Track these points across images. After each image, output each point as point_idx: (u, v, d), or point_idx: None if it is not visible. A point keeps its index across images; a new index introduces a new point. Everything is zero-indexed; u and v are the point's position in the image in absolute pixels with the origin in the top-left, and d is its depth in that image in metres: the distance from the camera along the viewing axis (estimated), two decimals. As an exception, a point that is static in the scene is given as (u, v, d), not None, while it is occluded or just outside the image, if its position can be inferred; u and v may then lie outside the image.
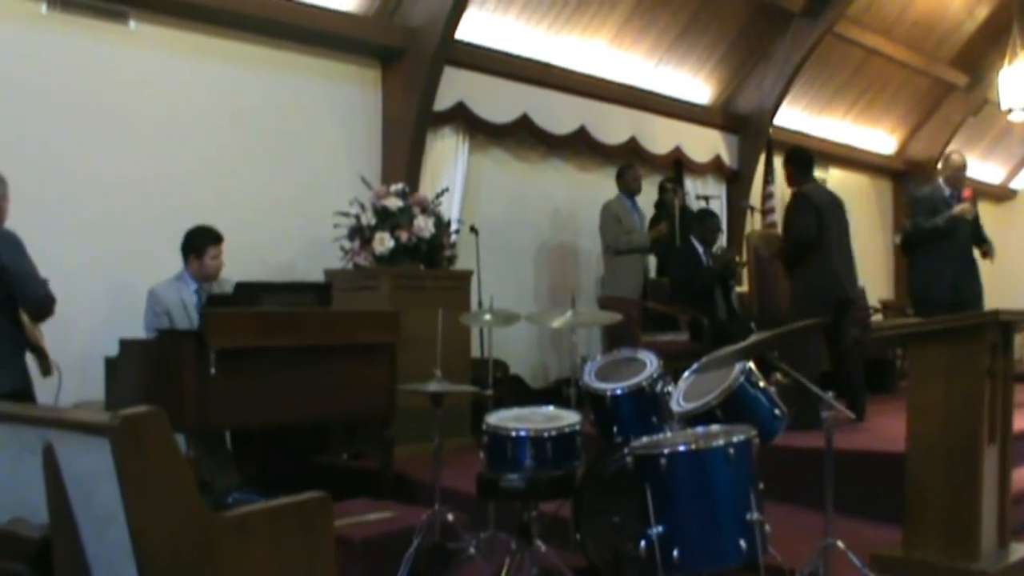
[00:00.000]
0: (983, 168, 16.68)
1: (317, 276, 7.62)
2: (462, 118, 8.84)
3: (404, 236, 7.53)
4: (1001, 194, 17.06)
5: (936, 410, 5.56)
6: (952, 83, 14.35)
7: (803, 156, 8.38)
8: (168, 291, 6.46)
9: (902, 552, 5.61)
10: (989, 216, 15.92)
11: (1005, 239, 12.10)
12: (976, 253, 9.33)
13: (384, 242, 7.47)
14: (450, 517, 5.38)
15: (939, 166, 9.47)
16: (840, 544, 4.81)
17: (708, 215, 9.98)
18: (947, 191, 9.13)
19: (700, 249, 9.47)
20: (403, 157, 8.28)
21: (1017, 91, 12.13)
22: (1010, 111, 12.42)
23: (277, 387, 5.96)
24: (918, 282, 9.32)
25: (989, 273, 12.10)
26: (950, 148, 9.53)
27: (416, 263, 7.67)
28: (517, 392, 8.56)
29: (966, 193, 9.19)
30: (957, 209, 9.02)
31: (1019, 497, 6.27)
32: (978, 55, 14.12)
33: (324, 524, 3.52)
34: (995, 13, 13.58)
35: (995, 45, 13.52)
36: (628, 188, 9.51)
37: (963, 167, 9.29)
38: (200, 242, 6.53)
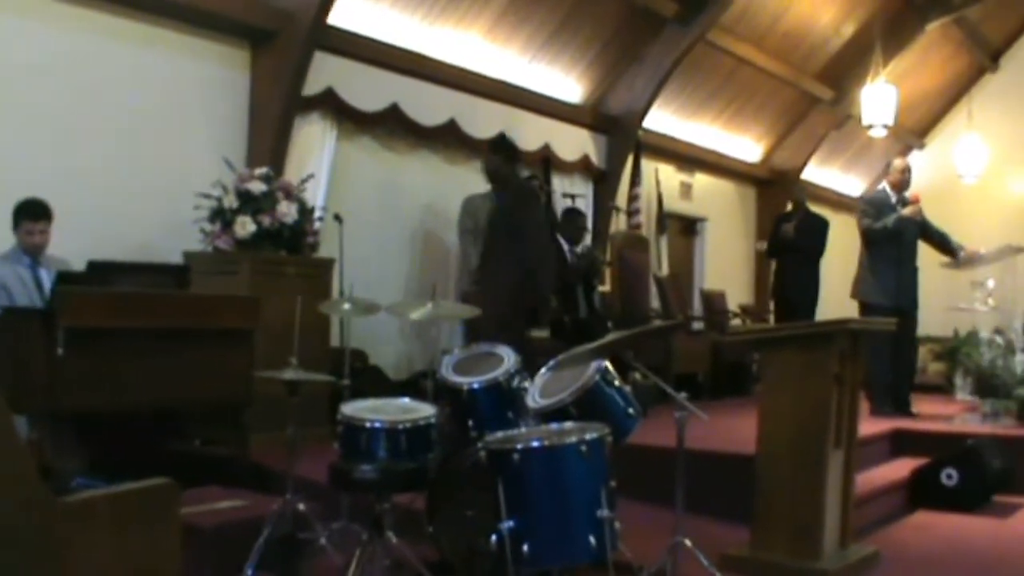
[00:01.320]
0: (844, 180, 17.12)
1: (176, 258, 7.46)
2: (331, 104, 8.75)
3: (266, 221, 7.43)
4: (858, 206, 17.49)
5: (786, 414, 5.70)
6: (818, 96, 14.68)
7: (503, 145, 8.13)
8: (2, 266, 6.27)
9: (749, 552, 5.73)
10: (846, 227, 16.36)
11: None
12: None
13: (246, 226, 7.36)
14: (302, 507, 5.32)
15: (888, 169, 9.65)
16: (688, 543, 4.88)
17: (575, 213, 10.07)
18: (892, 195, 9.35)
19: (566, 247, 9.54)
20: (269, 141, 8.16)
21: (878, 108, 12.47)
22: (871, 127, 12.76)
23: (129, 370, 5.82)
24: (863, 285, 9.48)
25: (843, 281, 12.41)
26: (897, 161, 9.71)
27: (278, 249, 7.58)
28: (376, 383, 8.50)
29: (913, 196, 9.35)
30: (907, 210, 9.23)
31: (861, 500, 6.45)
32: (843, 71, 14.47)
33: (170, 512, 3.46)
34: (860, 32, 13.95)
35: (859, 63, 13.88)
36: (493, 182, 9.53)
37: (906, 169, 9.52)
38: (17, 216, 6.34)
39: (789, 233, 11.19)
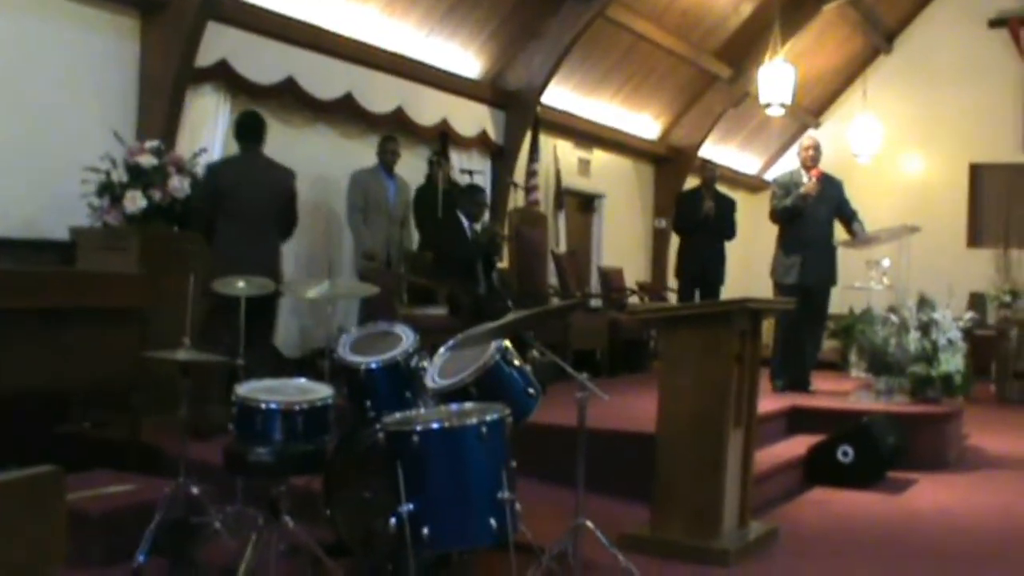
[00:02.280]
0: (740, 158, 17.26)
1: (62, 235, 7.23)
2: (225, 77, 8.53)
3: (158, 196, 7.23)
4: (756, 184, 17.68)
5: (686, 393, 5.71)
6: (716, 74, 14.75)
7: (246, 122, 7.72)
8: None
9: (649, 531, 5.74)
10: (744, 206, 16.51)
11: (757, 228, 12.51)
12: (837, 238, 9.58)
13: (136, 201, 7.15)
14: (195, 490, 5.18)
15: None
16: (590, 524, 4.84)
17: (475, 190, 9.99)
18: (804, 174, 9.41)
19: (465, 223, 9.47)
20: (160, 114, 7.93)
21: (775, 87, 12.55)
22: (768, 106, 12.84)
23: (12, 350, 5.61)
24: (774, 264, 9.53)
25: (741, 260, 12.54)
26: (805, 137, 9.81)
27: (170, 225, 7.38)
28: (272, 363, 8.34)
29: (814, 173, 9.42)
30: (803, 188, 9.33)
31: (759, 478, 6.48)
32: (741, 50, 14.56)
33: (55, 499, 3.31)
34: (758, 11, 14.03)
35: (757, 42, 13.97)
36: (384, 160, 9.54)
37: (811, 147, 9.59)
38: None
39: (711, 211, 11.21)
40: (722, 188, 14.43)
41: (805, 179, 9.38)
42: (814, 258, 9.34)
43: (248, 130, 7.59)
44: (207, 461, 5.62)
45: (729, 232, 11.37)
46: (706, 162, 12.26)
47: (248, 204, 7.39)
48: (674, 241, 13.32)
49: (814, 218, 9.37)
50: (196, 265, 6.33)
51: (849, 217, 9.51)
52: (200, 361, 5.22)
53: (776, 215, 9.52)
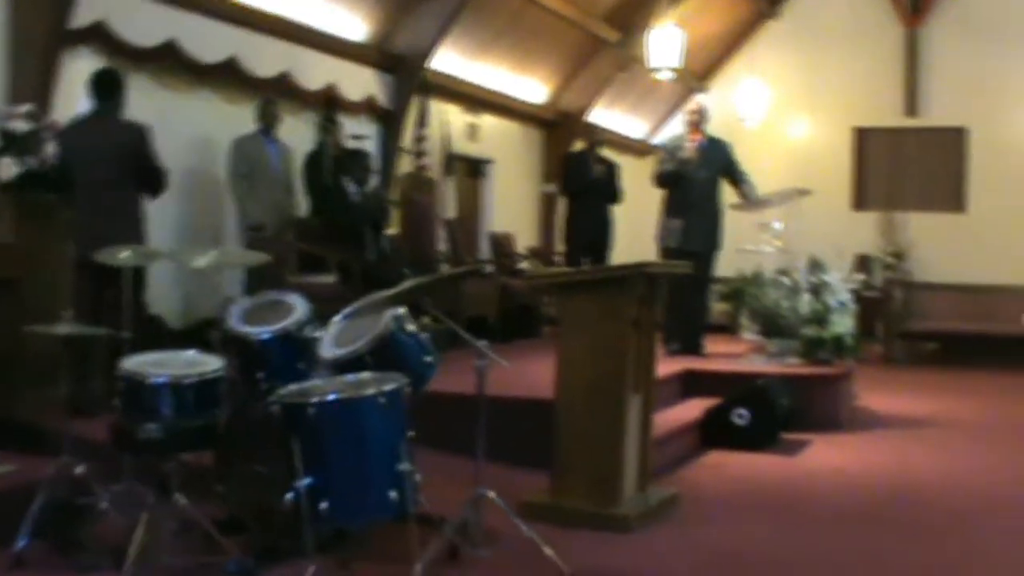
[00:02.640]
0: (628, 123, 17.25)
1: (-70, 203, 6.90)
2: (102, 39, 8.18)
3: (33, 162, 6.92)
4: (643, 149, 17.70)
5: (584, 359, 5.67)
6: (604, 38, 14.67)
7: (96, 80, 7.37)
8: None
9: (549, 498, 5.70)
10: (630, 169, 16.51)
11: (644, 192, 12.50)
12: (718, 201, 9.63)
13: (9, 168, 6.84)
14: (80, 469, 4.96)
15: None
16: (491, 494, 4.78)
17: (360, 155, 9.84)
18: (687, 139, 9.46)
19: (352, 189, 9.31)
20: (33, 77, 7.56)
21: (664, 51, 12.55)
22: (657, 70, 12.84)
23: None
24: (658, 229, 9.51)
25: (629, 225, 12.52)
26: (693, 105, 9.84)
27: (46, 192, 7.08)
28: (156, 334, 8.09)
29: (692, 137, 9.51)
30: (682, 153, 9.44)
31: (657, 442, 6.46)
32: (630, 14, 14.49)
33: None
34: (647, -26, 14.00)
35: (646, 5, 13.93)
36: (265, 123, 9.30)
37: (695, 111, 9.70)
38: None
39: (601, 174, 11.15)
40: (610, 152, 14.44)
41: (688, 141, 9.44)
42: (696, 222, 9.42)
43: (98, 88, 7.31)
44: (92, 438, 5.38)
45: (617, 196, 11.35)
46: (592, 125, 12.21)
47: (92, 169, 6.98)
48: (561, 205, 13.32)
49: (696, 182, 9.45)
50: (75, 234, 6.08)
51: (739, 180, 9.56)
52: (84, 335, 5.01)
53: (658, 179, 9.59)
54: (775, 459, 7.43)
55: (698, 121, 9.56)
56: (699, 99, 10.42)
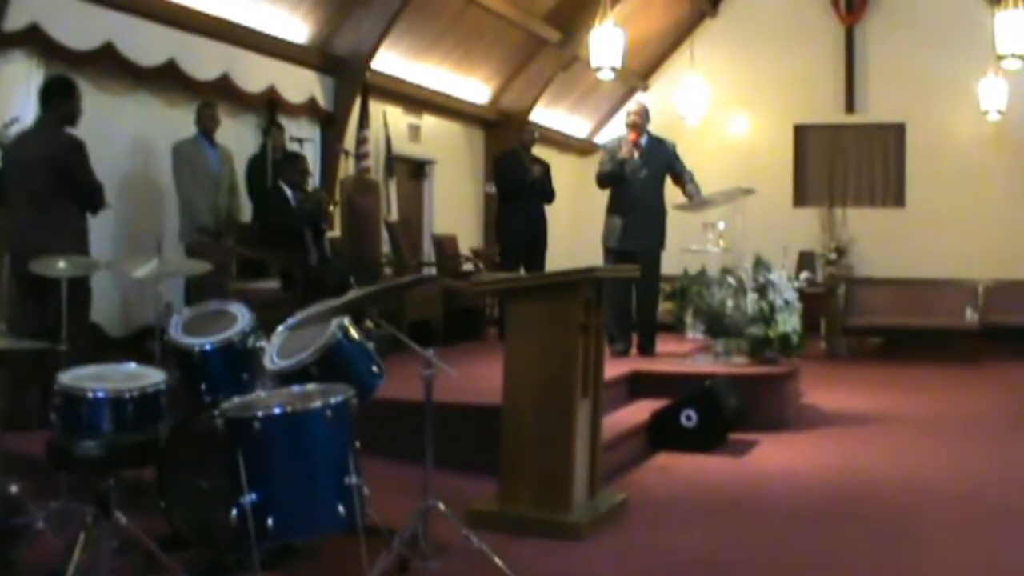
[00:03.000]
0: (569, 122, 17.22)
1: None
2: (37, 42, 8.03)
3: (-35, 169, 6.78)
4: (585, 148, 17.70)
5: (533, 364, 5.62)
6: (545, 38, 14.63)
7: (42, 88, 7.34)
8: None
9: (498, 506, 5.63)
10: (572, 169, 16.51)
11: (585, 192, 12.49)
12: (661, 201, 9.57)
13: (-63, 177, 6.69)
14: (14, 489, 4.84)
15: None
16: (441, 505, 4.72)
17: (295, 157, 9.77)
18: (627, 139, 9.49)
19: (289, 192, 9.21)
20: (-35, 81, 7.46)
21: (605, 51, 12.50)
22: (599, 69, 12.80)
23: None
24: (604, 230, 9.48)
25: (569, 225, 12.48)
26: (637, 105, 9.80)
27: (-26, 202, 6.93)
28: (95, 343, 7.93)
29: (630, 138, 9.46)
30: (621, 152, 9.39)
31: (605, 446, 6.42)
32: (570, 13, 14.48)
33: None
34: (586, -27, 13.99)
35: (587, 5, 13.91)
36: (203, 127, 9.18)
37: (634, 112, 9.62)
38: None
39: (538, 175, 11.07)
40: (550, 151, 14.42)
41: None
42: (637, 222, 9.39)
43: (40, 96, 7.17)
44: (25, 454, 5.26)
45: (551, 195, 11.27)
46: (526, 124, 12.16)
47: (29, 179, 6.87)
48: (491, 205, 13.30)
49: (637, 182, 9.43)
50: (8, 243, 5.94)
51: (683, 180, 9.54)
52: (18, 349, 4.89)
53: (598, 180, 9.62)
54: (724, 460, 7.42)
55: (637, 122, 9.51)
56: (639, 99, 10.35)
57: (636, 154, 9.42)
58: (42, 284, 5.90)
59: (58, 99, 7.03)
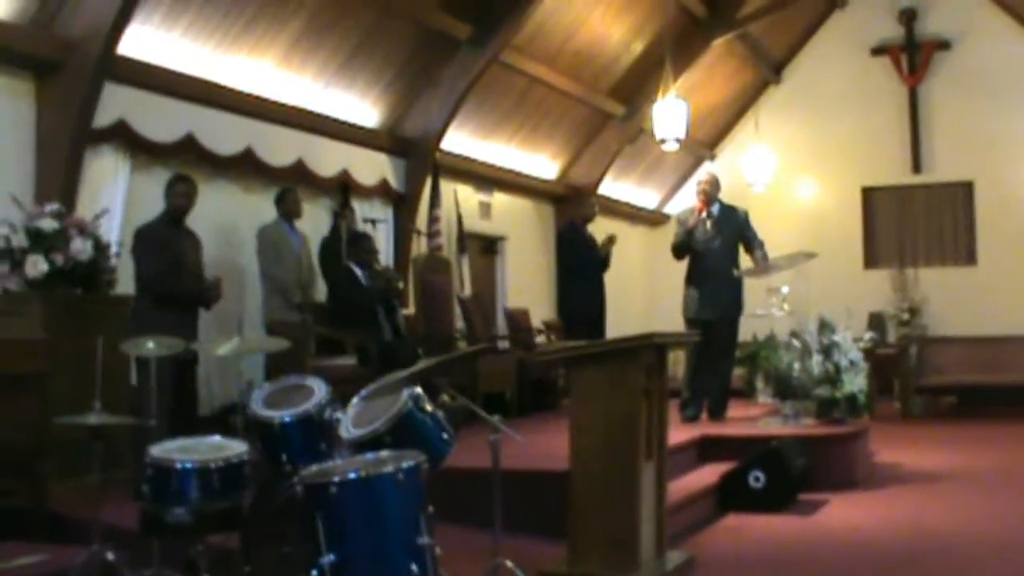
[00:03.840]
0: (638, 194, 17.47)
1: (-39, 302, 7.12)
2: (123, 136, 8.48)
3: (59, 259, 7.14)
4: (655, 219, 17.93)
5: (596, 429, 5.79)
6: (610, 113, 14.97)
7: None
8: None
9: (567, 568, 5.79)
10: (643, 240, 16.72)
11: (658, 261, 12.68)
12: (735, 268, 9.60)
13: (37, 265, 7.05)
14: (110, 556, 5.13)
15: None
16: (509, 564, 4.89)
17: (362, 237, 10.03)
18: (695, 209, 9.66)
19: (359, 272, 9.51)
20: (58, 176, 7.84)
21: (669, 122, 12.77)
22: (663, 141, 13.06)
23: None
24: (685, 298, 9.66)
25: (643, 295, 12.69)
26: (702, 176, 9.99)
27: (73, 287, 7.30)
28: (186, 420, 8.26)
29: (697, 208, 9.64)
30: (689, 221, 9.58)
31: (673, 508, 6.58)
32: (634, 87, 14.81)
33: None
34: (649, 48, 14.30)
35: (649, 79, 14.23)
36: (286, 212, 9.52)
37: (704, 182, 9.78)
38: None
39: (610, 250, 11.40)
40: (620, 223, 14.67)
41: (704, 215, 9.62)
42: (712, 291, 9.50)
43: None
44: (120, 526, 5.55)
45: (608, 266, 11.58)
46: (588, 197, 12.41)
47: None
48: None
49: (710, 251, 9.56)
50: (103, 327, 6.27)
51: (750, 246, 9.69)
52: (112, 424, 5.20)
53: (672, 250, 9.78)
54: (792, 520, 7.52)
55: (707, 190, 9.68)
56: (708, 169, 10.48)
57: (709, 224, 9.57)
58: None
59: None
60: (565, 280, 11.73)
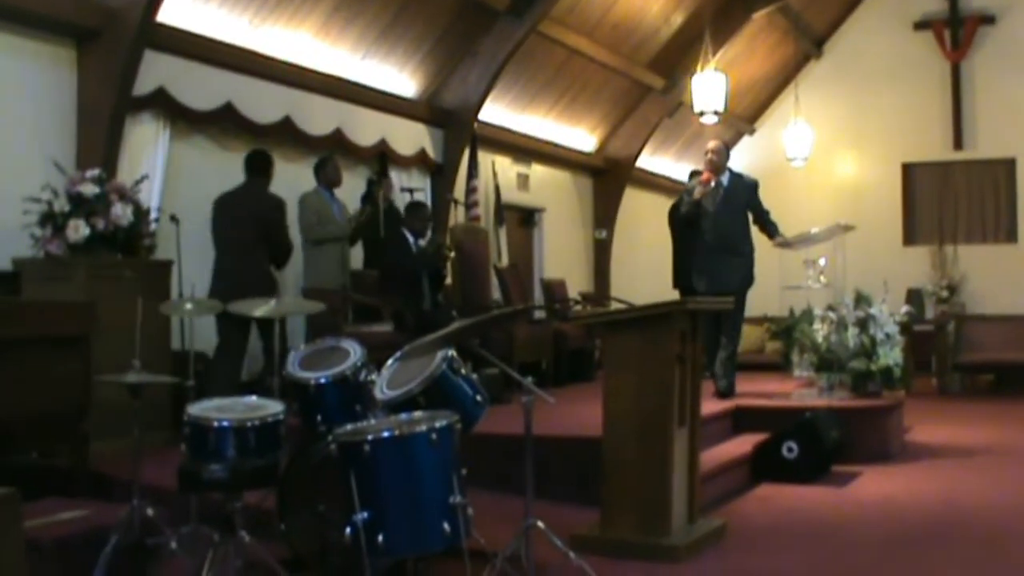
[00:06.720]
0: (677, 167, 17.44)
1: (4, 265, 7.23)
2: (163, 104, 8.56)
3: (100, 224, 7.24)
4: (693, 192, 17.88)
5: (629, 394, 5.82)
6: (650, 85, 14.94)
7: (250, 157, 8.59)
8: None
9: (599, 531, 5.84)
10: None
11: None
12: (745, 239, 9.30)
13: (79, 230, 7.16)
14: (150, 512, 5.23)
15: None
16: (541, 524, 4.93)
17: (418, 206, 10.07)
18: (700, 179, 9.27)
19: (411, 239, 9.55)
20: (99, 142, 7.93)
21: (708, 96, 12.75)
22: (702, 114, 13.03)
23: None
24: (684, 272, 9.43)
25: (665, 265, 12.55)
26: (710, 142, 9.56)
27: (113, 252, 7.40)
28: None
29: (703, 177, 9.22)
30: (696, 192, 9.15)
31: (707, 476, 6.61)
32: (673, 60, 14.77)
33: (11, 523, 3.35)
34: (689, 21, 14.25)
35: (689, 51, 14.19)
36: (327, 180, 9.51)
37: (710, 150, 9.29)
38: None
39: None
40: (659, 196, 14.60)
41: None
42: (718, 263, 9.13)
43: (246, 164, 8.41)
44: (159, 484, 5.65)
45: None
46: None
47: (226, 231, 8.14)
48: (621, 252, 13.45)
49: (717, 222, 9.17)
50: (142, 290, 6.36)
51: (760, 220, 9.39)
52: (150, 382, 5.28)
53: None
54: (824, 490, 7.53)
55: (714, 160, 9.19)
56: (716, 139, 9.96)
57: (718, 193, 9.15)
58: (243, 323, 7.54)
59: (256, 165, 8.44)
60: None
